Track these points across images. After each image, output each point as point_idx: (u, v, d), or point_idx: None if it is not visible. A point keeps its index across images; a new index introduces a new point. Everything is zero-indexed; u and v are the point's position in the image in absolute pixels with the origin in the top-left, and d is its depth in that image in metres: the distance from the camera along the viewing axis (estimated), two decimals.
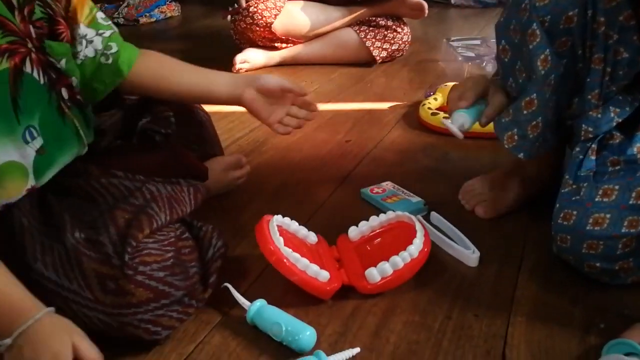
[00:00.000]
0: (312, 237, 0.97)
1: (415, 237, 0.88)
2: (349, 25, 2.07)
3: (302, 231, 0.96)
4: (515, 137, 0.94)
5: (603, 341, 0.76)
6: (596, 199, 0.84)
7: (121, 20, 2.93)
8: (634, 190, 0.82)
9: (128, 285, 0.72)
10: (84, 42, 0.89)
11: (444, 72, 2.05)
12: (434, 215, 1.08)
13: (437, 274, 0.93)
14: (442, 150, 1.38)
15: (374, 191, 1.17)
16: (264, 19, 1.97)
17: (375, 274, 0.86)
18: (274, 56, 2.08)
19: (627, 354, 0.71)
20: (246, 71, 2.04)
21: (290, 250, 0.85)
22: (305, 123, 1.08)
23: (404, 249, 0.87)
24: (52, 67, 0.82)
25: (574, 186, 0.87)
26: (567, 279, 0.91)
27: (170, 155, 0.97)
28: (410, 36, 2.16)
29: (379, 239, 0.97)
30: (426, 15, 2.15)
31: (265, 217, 0.90)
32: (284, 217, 0.94)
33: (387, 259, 0.86)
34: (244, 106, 1.03)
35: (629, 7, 0.82)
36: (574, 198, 0.86)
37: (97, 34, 0.91)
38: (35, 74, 0.78)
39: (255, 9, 1.97)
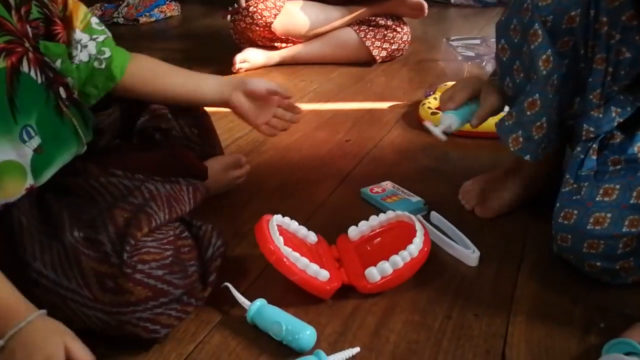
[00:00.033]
0: (311, 237, 0.96)
1: (415, 236, 0.88)
2: (349, 24, 2.07)
3: (301, 231, 0.96)
4: (520, 139, 0.94)
5: (603, 340, 0.76)
6: (597, 199, 0.84)
7: (121, 20, 2.93)
8: (634, 189, 0.82)
9: (127, 283, 0.72)
10: (79, 47, 0.91)
11: (444, 71, 2.05)
12: (434, 214, 1.08)
13: (437, 274, 0.93)
14: (442, 150, 1.38)
15: (374, 191, 1.17)
16: (263, 18, 1.97)
17: (375, 273, 0.86)
18: (274, 56, 2.08)
19: (627, 354, 0.71)
20: (246, 71, 2.04)
21: (290, 249, 0.85)
22: (291, 125, 1.13)
23: (404, 249, 0.87)
24: (49, 67, 0.83)
25: (575, 185, 0.87)
26: (567, 278, 0.91)
27: (170, 155, 0.97)
28: (410, 36, 2.16)
29: (378, 239, 0.97)
30: (426, 14, 2.14)
31: (265, 216, 0.90)
32: (283, 216, 0.94)
33: (387, 259, 0.86)
34: (231, 109, 1.07)
35: (631, 7, 0.82)
36: (574, 197, 0.86)
37: (91, 39, 0.93)
38: (32, 73, 0.78)
39: (255, 9, 1.97)
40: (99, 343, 0.75)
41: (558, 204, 0.89)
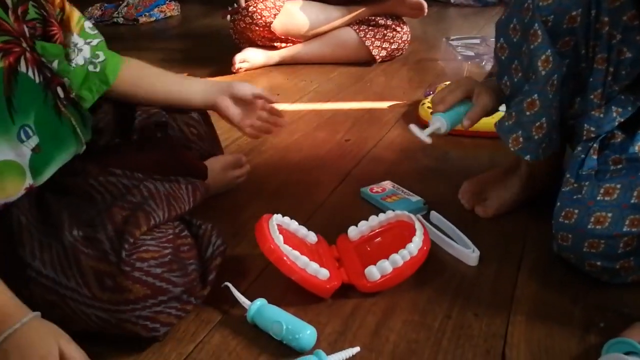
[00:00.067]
0: (311, 237, 0.96)
1: (414, 235, 0.88)
2: (349, 24, 2.07)
3: (301, 230, 0.95)
4: (521, 139, 0.94)
5: (603, 340, 0.76)
6: (598, 198, 0.84)
7: (121, 20, 2.94)
8: (635, 189, 0.82)
9: (125, 281, 0.72)
10: (75, 50, 0.91)
11: (444, 71, 2.05)
12: (434, 214, 1.08)
13: (437, 273, 0.93)
14: (442, 150, 1.38)
15: (374, 190, 1.17)
16: (263, 18, 1.97)
17: (374, 272, 0.85)
18: (273, 55, 2.08)
19: (627, 353, 0.71)
20: (245, 70, 2.04)
21: (290, 248, 0.85)
22: (274, 129, 1.16)
23: (404, 248, 0.87)
24: (46, 67, 0.83)
25: (576, 185, 0.87)
26: (567, 277, 0.91)
27: (169, 154, 0.97)
28: (409, 35, 2.16)
29: (378, 239, 0.97)
30: (425, 14, 2.15)
31: (265, 216, 0.90)
32: (283, 216, 0.94)
33: (387, 258, 0.86)
34: (217, 111, 1.10)
35: (632, 7, 0.82)
36: (575, 197, 0.86)
37: (86, 43, 0.94)
38: (30, 73, 0.78)
39: (254, 9, 1.97)
40: (98, 343, 0.75)
41: (559, 203, 0.89)
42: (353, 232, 0.97)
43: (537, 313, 0.84)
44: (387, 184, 1.19)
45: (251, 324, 0.81)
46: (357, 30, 2.07)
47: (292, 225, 0.95)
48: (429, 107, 1.52)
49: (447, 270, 0.94)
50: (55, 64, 0.85)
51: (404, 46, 2.15)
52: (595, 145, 0.88)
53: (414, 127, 1.00)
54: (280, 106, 1.69)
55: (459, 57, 2.12)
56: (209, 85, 1.11)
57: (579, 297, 0.87)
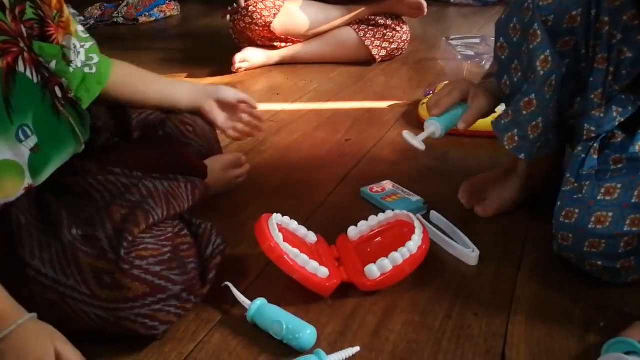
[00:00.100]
0: (311, 237, 0.96)
1: (414, 234, 0.88)
2: (348, 24, 2.07)
3: (301, 230, 0.95)
4: (516, 137, 0.94)
5: (603, 340, 0.76)
6: (598, 197, 0.84)
7: (120, 20, 2.93)
8: (636, 188, 0.82)
9: (124, 279, 0.72)
10: (75, 52, 0.92)
11: (443, 70, 2.05)
12: (434, 214, 1.08)
13: (437, 273, 0.93)
14: (442, 149, 1.38)
15: (374, 190, 1.17)
16: (263, 18, 1.97)
17: (374, 270, 0.85)
18: (273, 55, 2.08)
19: (627, 353, 0.71)
20: (245, 70, 2.04)
21: (290, 246, 0.85)
22: (256, 133, 1.23)
23: (404, 246, 0.86)
24: (44, 67, 0.83)
25: (576, 184, 0.87)
26: (567, 277, 0.91)
27: (168, 153, 0.97)
28: (409, 35, 2.16)
29: (378, 239, 0.97)
30: (425, 13, 2.15)
31: (265, 215, 0.90)
32: (283, 216, 0.94)
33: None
34: (202, 114, 1.13)
35: (632, 7, 0.82)
36: (575, 196, 0.86)
37: (81, 46, 0.94)
38: (28, 73, 0.78)
39: (254, 9, 1.97)
40: (97, 343, 0.75)
41: (559, 203, 0.89)
42: (353, 232, 0.97)
43: (537, 313, 0.84)
44: (387, 184, 1.19)
45: (251, 323, 0.81)
46: (357, 30, 2.07)
47: (292, 224, 0.95)
48: None
49: (447, 270, 0.94)
50: (52, 64, 0.85)
51: (403, 46, 2.15)
52: (595, 144, 0.87)
53: (407, 135, 0.99)
54: (280, 106, 1.70)
55: (459, 57, 2.12)
56: (196, 89, 1.15)
57: (579, 297, 0.87)
